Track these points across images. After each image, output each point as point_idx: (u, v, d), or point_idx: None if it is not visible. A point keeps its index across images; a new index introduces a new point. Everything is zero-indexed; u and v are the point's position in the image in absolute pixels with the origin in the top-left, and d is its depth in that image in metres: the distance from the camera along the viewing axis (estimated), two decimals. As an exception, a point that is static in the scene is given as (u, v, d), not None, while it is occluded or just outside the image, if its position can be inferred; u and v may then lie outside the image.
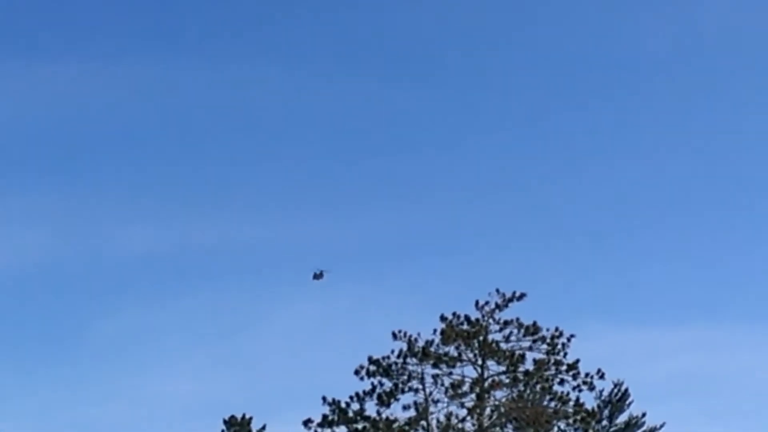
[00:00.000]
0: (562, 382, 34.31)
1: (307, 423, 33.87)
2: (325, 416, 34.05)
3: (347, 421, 34.19)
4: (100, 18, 76.99)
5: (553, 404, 34.77)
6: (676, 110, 78.20)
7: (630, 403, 44.14)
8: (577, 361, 33.91)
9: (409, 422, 33.72)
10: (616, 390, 41.77)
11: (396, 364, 34.02)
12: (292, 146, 72.21)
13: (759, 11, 72.68)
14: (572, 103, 77.95)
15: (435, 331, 33.83)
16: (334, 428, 34.41)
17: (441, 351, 34.10)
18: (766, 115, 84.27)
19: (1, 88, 70.26)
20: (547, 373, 34.15)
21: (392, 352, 33.82)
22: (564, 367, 34.05)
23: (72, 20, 76.24)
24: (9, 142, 69.39)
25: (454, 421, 33.90)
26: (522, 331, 34.16)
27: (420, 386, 34.05)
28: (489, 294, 33.99)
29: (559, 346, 33.97)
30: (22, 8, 72.12)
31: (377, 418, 33.74)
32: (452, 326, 33.93)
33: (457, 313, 33.99)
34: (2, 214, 66.18)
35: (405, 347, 33.90)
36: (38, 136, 72.60)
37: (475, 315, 34.07)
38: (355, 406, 34.06)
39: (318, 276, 41.31)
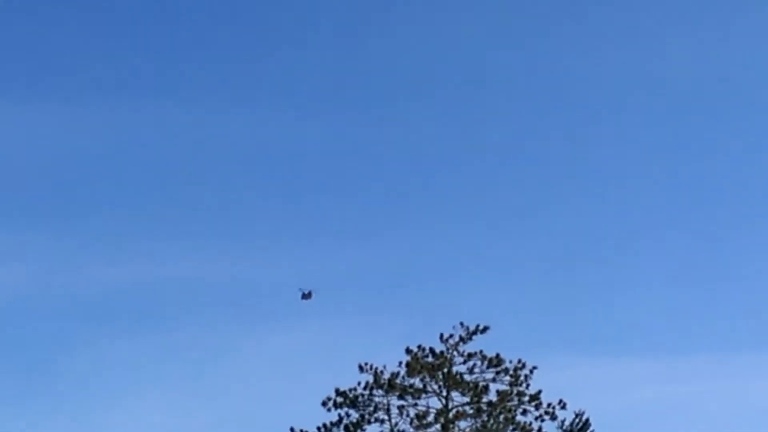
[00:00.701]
0: (524, 412, 35.17)
1: None
2: None
3: None
4: (71, 61, 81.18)
5: None
6: (637, 140, 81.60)
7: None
8: (539, 391, 34.91)
9: None
10: (577, 420, 42.37)
11: (362, 395, 34.81)
12: (266, 181, 75.57)
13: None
14: (534, 137, 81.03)
15: (401, 363, 34.68)
16: None
17: (406, 383, 34.91)
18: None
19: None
20: (510, 403, 34.93)
21: (359, 384, 34.62)
22: (526, 398, 35.00)
23: (40, 62, 79.38)
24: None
25: None
26: (485, 363, 34.92)
27: (386, 417, 34.97)
28: (453, 327, 34.87)
29: (522, 378, 34.87)
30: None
31: None
32: (417, 359, 34.70)
33: (422, 345, 34.77)
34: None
35: (371, 379, 34.70)
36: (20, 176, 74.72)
37: (439, 347, 34.91)
38: None
39: (306, 296, 42.46)
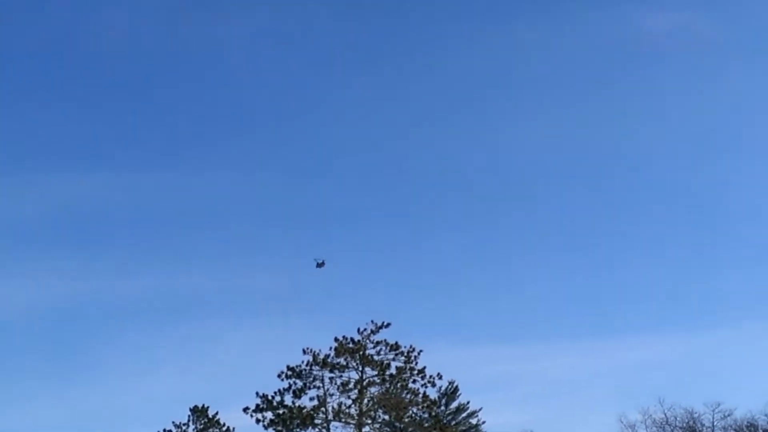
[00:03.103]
0: (414, 381, 48.16)
1: (245, 410, 47.43)
2: (257, 405, 47.38)
3: (272, 408, 47.30)
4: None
5: (408, 396, 48.19)
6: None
7: (459, 395, 58.86)
8: (424, 367, 48.30)
9: (314, 409, 47.06)
10: (450, 386, 56.75)
11: (305, 370, 47.89)
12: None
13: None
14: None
15: (331, 348, 48.00)
16: (264, 413, 47.22)
17: (335, 361, 47.85)
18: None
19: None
20: (404, 375, 48.00)
21: (302, 362, 48.02)
22: (416, 372, 48.17)
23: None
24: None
25: (343, 408, 47.31)
26: (388, 348, 48.33)
27: (321, 385, 47.69)
28: (366, 323, 48.67)
29: (413, 358, 48.28)
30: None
31: (292, 406, 47.14)
32: (342, 345, 48.05)
33: (346, 336, 48.43)
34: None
35: (311, 359, 47.95)
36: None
37: (357, 337, 48.33)
38: (278, 398, 47.52)
39: (320, 264, 48.77)
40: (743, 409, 66.43)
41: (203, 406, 52.80)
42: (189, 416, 52.85)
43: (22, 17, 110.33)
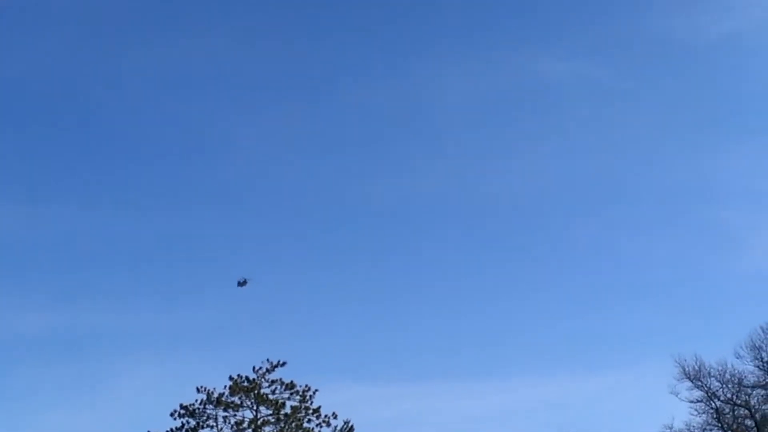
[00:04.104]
0: (309, 420, 48.64)
1: None
2: None
3: None
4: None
5: None
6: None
7: None
8: (320, 407, 48.96)
9: None
10: (345, 425, 56.92)
11: (198, 408, 47.94)
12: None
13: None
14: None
15: (225, 386, 48.21)
16: None
17: (229, 400, 47.99)
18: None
19: None
20: (299, 415, 48.43)
21: (196, 400, 48.12)
22: (311, 411, 48.75)
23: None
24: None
25: None
26: (283, 386, 48.80)
27: (215, 424, 47.74)
28: (262, 362, 49.11)
29: (308, 397, 48.92)
30: None
31: None
32: (237, 383, 48.29)
33: (241, 374, 48.70)
34: None
35: (205, 397, 48.08)
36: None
37: (252, 376, 48.62)
38: None
39: (242, 283, 50.29)
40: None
41: None
42: None
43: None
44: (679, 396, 59.63)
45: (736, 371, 58.99)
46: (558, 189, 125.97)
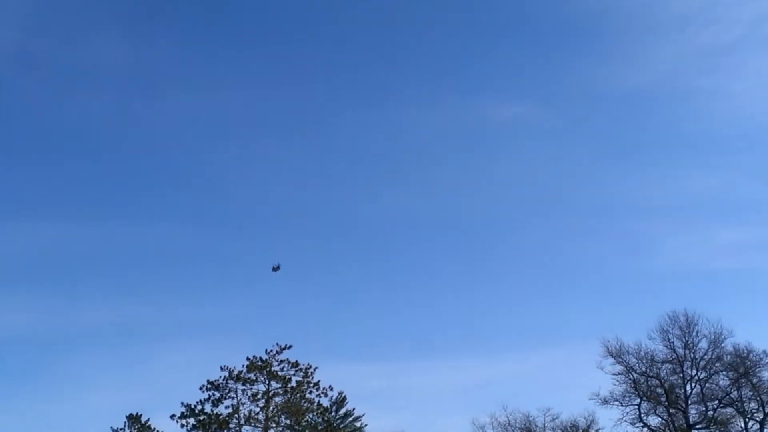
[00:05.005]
0: (310, 392, 58.21)
1: (172, 417, 56.40)
2: (182, 413, 56.21)
3: (194, 415, 56.06)
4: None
5: (306, 404, 57.96)
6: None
7: (347, 403, 70.24)
8: (319, 381, 58.65)
9: (229, 415, 55.90)
10: (339, 396, 67.71)
11: (222, 383, 57.09)
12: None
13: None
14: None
15: (243, 365, 57.81)
16: (187, 420, 55.86)
17: (246, 376, 57.10)
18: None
19: None
20: (303, 387, 57.80)
21: (220, 377, 57.52)
22: (312, 385, 58.28)
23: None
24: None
25: (253, 414, 56.25)
26: (290, 365, 58.38)
27: (234, 395, 56.81)
28: (272, 345, 59.04)
29: (310, 373, 58.51)
30: None
31: (211, 413, 55.99)
32: (253, 363, 57.76)
33: (255, 356, 58.43)
34: None
35: (227, 374, 57.43)
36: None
37: (265, 357, 58.20)
38: (199, 407, 56.42)
39: (276, 268, 57.09)
40: (567, 413, 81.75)
41: (137, 414, 61.85)
42: (125, 422, 61.50)
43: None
44: (604, 370, 69.51)
45: (649, 350, 69.19)
46: (508, 204, 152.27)
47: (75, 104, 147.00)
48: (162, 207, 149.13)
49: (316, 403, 58.73)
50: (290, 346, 59.50)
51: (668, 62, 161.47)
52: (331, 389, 60.53)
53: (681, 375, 68.35)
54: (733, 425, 67.02)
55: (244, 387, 57.17)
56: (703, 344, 68.30)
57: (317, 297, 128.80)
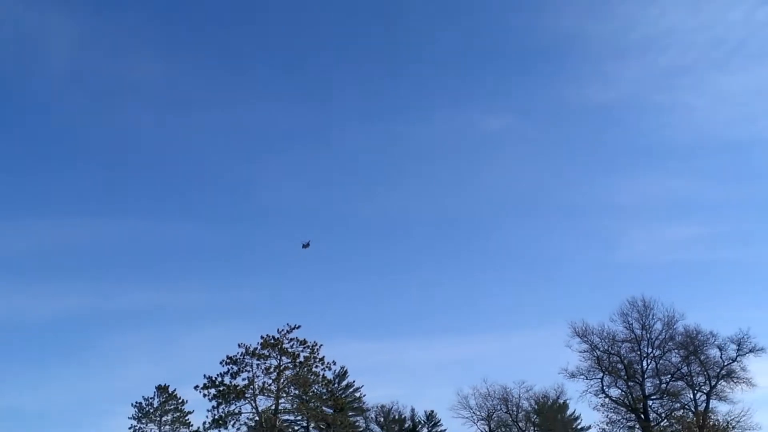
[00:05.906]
0: (317, 366, 65.01)
1: (195, 387, 63.05)
2: (204, 384, 62.79)
3: (215, 386, 62.54)
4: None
5: (312, 377, 64.71)
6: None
7: (348, 376, 78.65)
8: (324, 356, 65.63)
9: (245, 386, 62.46)
10: (341, 370, 75.42)
11: (239, 358, 63.73)
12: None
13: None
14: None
15: (258, 343, 64.51)
16: (209, 390, 62.22)
17: (260, 352, 63.60)
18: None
19: None
20: (310, 362, 64.48)
21: (237, 353, 64.36)
22: (318, 360, 65.02)
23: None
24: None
25: (266, 385, 62.87)
26: (299, 343, 65.18)
27: (251, 369, 63.45)
28: (283, 325, 66.01)
29: (316, 350, 65.34)
30: None
31: (229, 384, 62.59)
32: (266, 341, 64.43)
33: (269, 334, 65.32)
34: None
35: (244, 351, 64.03)
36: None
37: (276, 335, 65.07)
38: (219, 379, 63.05)
39: (306, 245, 59.43)
40: (540, 385, 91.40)
41: (165, 385, 68.88)
42: (154, 392, 68.48)
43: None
44: (571, 348, 75.57)
45: (611, 331, 75.12)
46: (492, 204, 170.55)
47: (119, 117, 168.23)
48: (190, 207, 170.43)
49: (321, 376, 65.43)
50: (299, 326, 66.07)
51: (631, 81, 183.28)
52: (335, 364, 67.41)
53: (638, 352, 74.24)
54: (683, 396, 72.98)
55: (258, 362, 63.41)
56: (658, 326, 74.06)
57: (322, 284, 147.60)
